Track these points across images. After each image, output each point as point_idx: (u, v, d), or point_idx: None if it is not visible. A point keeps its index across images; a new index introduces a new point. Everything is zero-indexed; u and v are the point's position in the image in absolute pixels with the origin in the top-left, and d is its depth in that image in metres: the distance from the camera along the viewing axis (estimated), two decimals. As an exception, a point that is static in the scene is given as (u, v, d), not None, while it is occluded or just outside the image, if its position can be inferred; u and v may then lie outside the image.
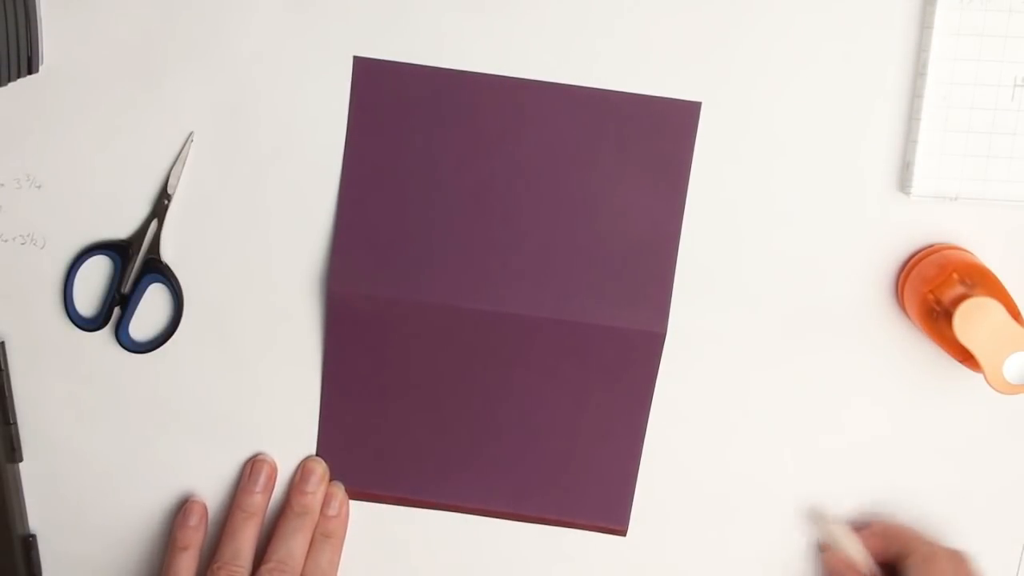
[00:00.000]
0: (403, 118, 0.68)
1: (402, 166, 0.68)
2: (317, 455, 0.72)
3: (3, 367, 0.71)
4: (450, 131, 0.67)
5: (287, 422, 0.72)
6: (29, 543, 0.74)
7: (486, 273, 0.69)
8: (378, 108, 0.68)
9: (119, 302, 0.71)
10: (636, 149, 0.67)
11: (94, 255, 0.70)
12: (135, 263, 0.70)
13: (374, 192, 0.68)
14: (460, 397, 0.71)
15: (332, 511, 0.72)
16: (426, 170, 0.68)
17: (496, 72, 0.67)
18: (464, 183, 0.68)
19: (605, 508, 0.72)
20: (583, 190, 0.68)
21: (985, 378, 0.63)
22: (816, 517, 0.71)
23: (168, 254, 0.71)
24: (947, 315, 0.63)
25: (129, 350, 0.71)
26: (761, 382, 0.71)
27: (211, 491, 0.73)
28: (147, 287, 0.71)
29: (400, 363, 0.70)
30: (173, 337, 0.71)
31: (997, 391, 0.63)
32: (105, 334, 0.71)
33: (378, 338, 0.70)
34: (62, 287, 0.71)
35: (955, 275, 0.65)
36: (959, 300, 0.63)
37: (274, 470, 0.72)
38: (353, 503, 0.73)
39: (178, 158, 0.69)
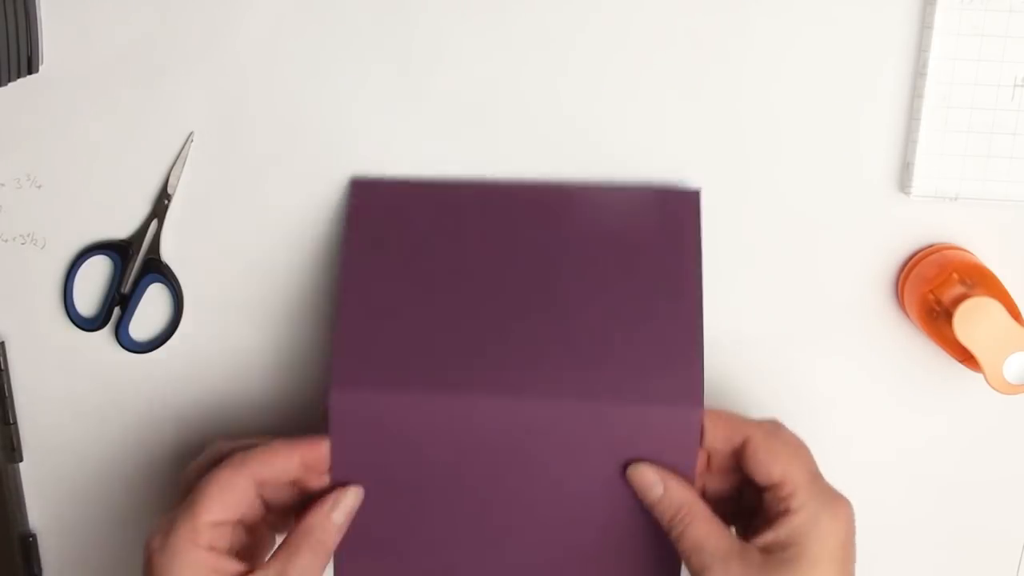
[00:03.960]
0: (401, 233, 0.66)
1: (403, 278, 0.66)
2: None
3: (3, 367, 0.71)
4: (449, 242, 0.66)
5: (287, 421, 0.72)
6: (29, 543, 0.74)
7: (498, 370, 0.64)
8: (375, 224, 0.66)
9: (119, 302, 0.71)
10: (640, 242, 0.65)
11: (94, 255, 0.70)
12: (135, 263, 0.70)
13: (376, 302, 0.65)
14: (480, 494, 0.65)
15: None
16: (429, 279, 0.65)
17: (492, 173, 0.68)
18: (467, 289, 0.65)
19: None
20: (591, 283, 0.65)
21: (985, 378, 0.63)
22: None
23: (168, 254, 0.71)
24: (947, 315, 0.63)
25: (129, 350, 0.71)
26: (761, 382, 0.71)
27: (211, 491, 0.73)
28: (147, 287, 0.71)
29: (413, 461, 0.64)
30: (173, 337, 0.71)
31: (997, 391, 0.63)
32: (105, 334, 0.71)
33: (388, 440, 0.64)
34: (62, 287, 0.71)
35: (955, 275, 0.65)
36: (959, 300, 0.63)
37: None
38: None
39: (178, 158, 0.69)
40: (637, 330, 0.64)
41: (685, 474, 0.62)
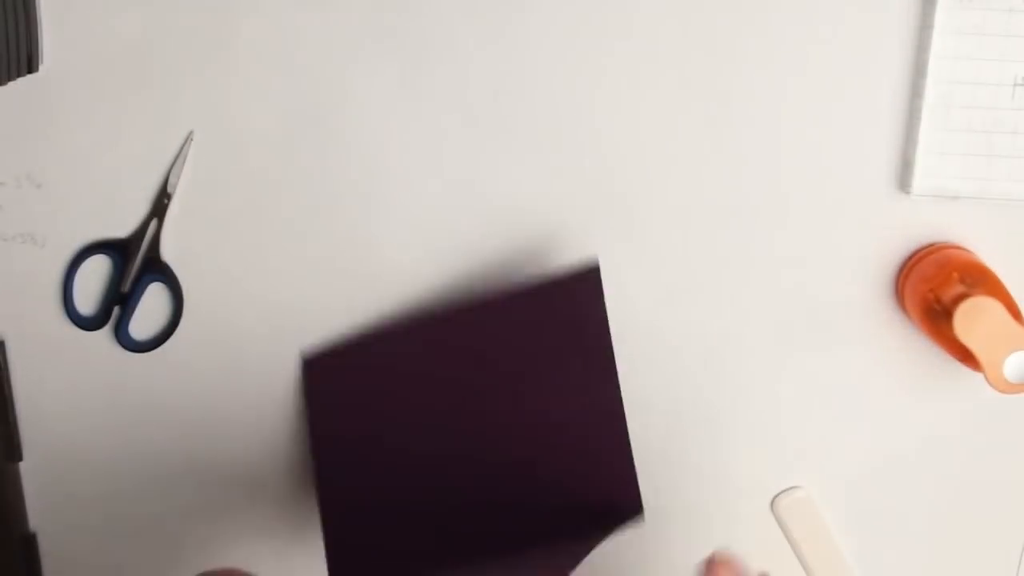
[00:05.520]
0: (356, 394, 0.69)
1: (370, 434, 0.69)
2: None
3: (3, 367, 0.71)
4: (397, 386, 0.69)
5: (287, 421, 0.72)
6: (29, 543, 0.74)
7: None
8: (330, 394, 0.70)
9: (119, 301, 0.71)
10: (554, 332, 0.67)
11: (94, 254, 0.70)
12: (135, 262, 0.70)
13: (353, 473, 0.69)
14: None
15: None
16: (391, 425, 0.69)
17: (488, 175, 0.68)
18: (427, 429, 0.69)
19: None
20: (523, 390, 0.68)
21: (985, 377, 0.63)
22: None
23: (168, 254, 0.71)
24: (947, 314, 0.63)
25: (129, 350, 0.71)
26: (761, 381, 0.71)
27: (210, 491, 0.73)
28: (147, 286, 0.71)
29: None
30: (173, 337, 0.71)
31: (997, 390, 0.63)
32: (105, 334, 0.71)
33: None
34: (62, 287, 0.71)
35: (955, 274, 0.65)
36: (959, 299, 0.63)
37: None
38: None
39: (178, 158, 0.69)
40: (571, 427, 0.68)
41: None
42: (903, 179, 0.67)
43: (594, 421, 0.68)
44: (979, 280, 0.65)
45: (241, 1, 0.67)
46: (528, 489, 0.68)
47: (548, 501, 0.68)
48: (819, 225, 0.69)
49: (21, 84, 0.67)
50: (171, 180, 0.69)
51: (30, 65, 0.67)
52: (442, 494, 0.69)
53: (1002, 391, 0.63)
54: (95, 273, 0.71)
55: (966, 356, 0.64)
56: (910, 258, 0.68)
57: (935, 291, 0.65)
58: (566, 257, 0.69)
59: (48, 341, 0.72)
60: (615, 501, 0.68)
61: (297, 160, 0.69)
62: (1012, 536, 0.73)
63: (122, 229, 0.70)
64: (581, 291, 0.66)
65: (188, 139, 0.69)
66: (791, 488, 0.72)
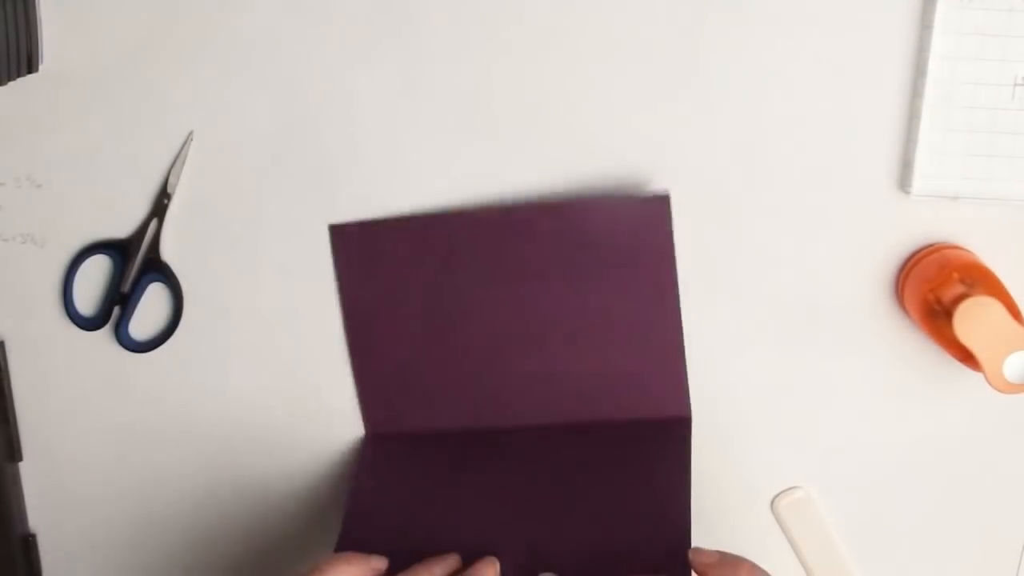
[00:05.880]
0: (389, 268, 0.69)
1: (401, 309, 0.70)
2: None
3: (3, 367, 0.71)
4: (439, 271, 0.68)
5: (287, 421, 0.72)
6: (29, 543, 0.74)
7: (501, 391, 0.70)
8: (363, 265, 0.69)
9: (119, 301, 0.71)
10: (617, 251, 0.68)
11: (94, 255, 0.70)
12: (135, 262, 0.70)
13: (380, 332, 0.70)
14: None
15: None
16: (425, 308, 0.69)
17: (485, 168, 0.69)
18: (462, 313, 0.69)
19: None
20: (576, 298, 0.68)
21: (985, 377, 0.63)
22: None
23: (168, 254, 0.71)
24: (947, 314, 0.63)
25: (129, 349, 0.71)
26: (760, 381, 0.71)
27: (210, 491, 0.73)
28: (147, 286, 0.71)
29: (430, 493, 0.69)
30: (173, 336, 0.71)
31: (997, 390, 0.63)
32: (105, 334, 0.71)
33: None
34: (62, 287, 0.71)
35: (955, 274, 0.65)
36: (959, 299, 0.63)
37: None
38: None
39: (178, 158, 0.69)
40: (623, 338, 0.69)
41: (680, 476, 0.67)
42: (903, 179, 0.67)
43: (648, 341, 0.69)
44: (979, 280, 0.65)
45: (241, 1, 0.67)
46: (570, 396, 0.70)
47: (591, 411, 0.70)
48: (819, 225, 0.69)
49: (21, 84, 0.67)
50: (171, 180, 0.69)
51: (30, 65, 0.67)
52: (476, 368, 0.70)
53: (1002, 391, 0.63)
54: (95, 273, 0.71)
55: (966, 356, 0.64)
56: (910, 258, 0.68)
57: (935, 291, 0.65)
58: (566, 257, 0.69)
59: (48, 341, 0.72)
60: (663, 419, 0.69)
61: (297, 160, 0.69)
62: (1012, 536, 0.73)
63: (122, 229, 0.70)
64: (648, 217, 0.67)
65: (188, 139, 0.69)
66: (791, 488, 0.72)
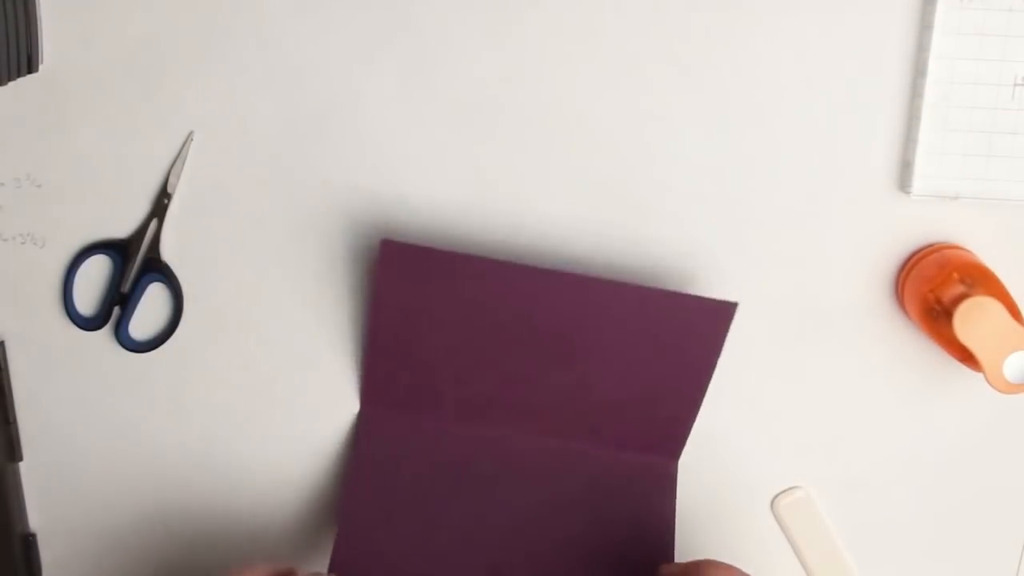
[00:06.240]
0: (429, 297, 0.68)
1: (428, 337, 0.69)
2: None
3: (3, 367, 0.71)
4: (476, 313, 0.68)
5: (287, 421, 0.72)
6: (29, 543, 0.74)
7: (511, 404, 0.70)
8: (403, 283, 0.68)
9: (119, 301, 0.71)
10: (665, 341, 0.67)
11: (94, 255, 0.70)
12: (135, 262, 0.70)
13: (399, 351, 0.70)
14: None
15: None
16: (450, 341, 0.69)
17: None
18: (485, 356, 0.69)
19: None
20: (605, 369, 0.68)
21: (985, 377, 0.63)
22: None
23: (168, 253, 0.71)
24: (947, 314, 0.63)
25: (129, 349, 0.71)
26: (760, 381, 0.71)
27: (211, 491, 0.73)
28: (147, 286, 0.71)
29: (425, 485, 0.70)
30: (173, 336, 0.71)
31: (997, 390, 0.63)
32: (105, 333, 0.71)
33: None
34: (62, 287, 0.71)
35: (955, 274, 0.65)
36: (959, 299, 0.63)
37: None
38: None
39: (178, 158, 0.69)
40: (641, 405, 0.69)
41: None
42: (903, 179, 0.67)
43: (667, 408, 0.69)
44: (979, 280, 0.65)
45: (241, 1, 0.67)
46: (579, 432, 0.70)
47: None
48: (819, 225, 0.69)
49: (21, 84, 0.67)
50: (171, 180, 0.69)
51: (30, 65, 0.67)
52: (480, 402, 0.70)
53: (1002, 391, 0.63)
54: (95, 273, 0.71)
55: (966, 356, 0.64)
56: (910, 258, 0.68)
57: (935, 291, 0.65)
58: (566, 256, 0.69)
59: (48, 341, 0.72)
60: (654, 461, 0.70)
61: (297, 160, 0.69)
62: (1012, 536, 0.73)
63: (122, 229, 0.70)
64: (710, 320, 0.66)
65: (188, 139, 0.69)
66: (791, 488, 0.72)
